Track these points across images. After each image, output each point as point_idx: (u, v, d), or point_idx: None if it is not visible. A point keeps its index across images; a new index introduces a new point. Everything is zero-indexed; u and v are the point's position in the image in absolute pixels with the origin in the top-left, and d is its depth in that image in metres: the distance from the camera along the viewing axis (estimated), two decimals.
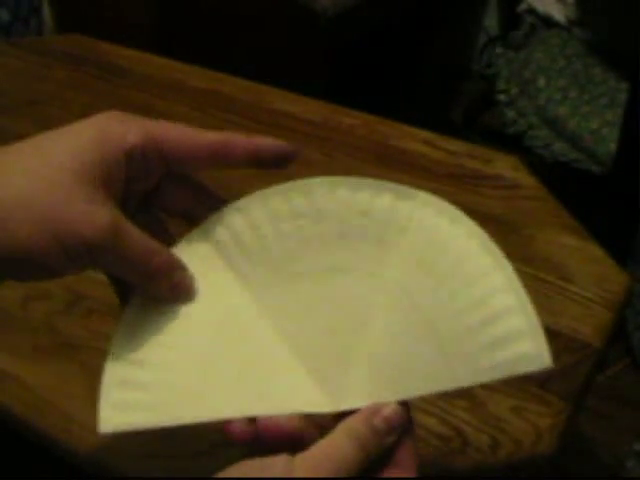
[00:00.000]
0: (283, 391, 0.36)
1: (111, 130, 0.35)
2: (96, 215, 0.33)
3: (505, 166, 0.78)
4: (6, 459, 0.64)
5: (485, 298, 0.37)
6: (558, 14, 1.85)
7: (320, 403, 0.35)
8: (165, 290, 0.36)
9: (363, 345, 0.36)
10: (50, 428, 0.52)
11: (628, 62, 1.40)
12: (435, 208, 0.38)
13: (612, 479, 1.24)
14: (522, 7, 1.92)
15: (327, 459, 0.32)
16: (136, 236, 0.35)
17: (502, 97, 1.79)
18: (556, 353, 0.58)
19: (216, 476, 0.32)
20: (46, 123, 0.79)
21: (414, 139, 0.82)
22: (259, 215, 0.38)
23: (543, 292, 0.63)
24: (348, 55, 1.41)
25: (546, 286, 0.64)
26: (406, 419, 0.35)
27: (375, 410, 0.34)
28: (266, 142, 0.38)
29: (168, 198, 0.39)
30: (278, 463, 0.32)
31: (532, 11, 1.90)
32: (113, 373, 0.36)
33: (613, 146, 1.45)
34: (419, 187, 0.77)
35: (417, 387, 0.36)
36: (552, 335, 0.60)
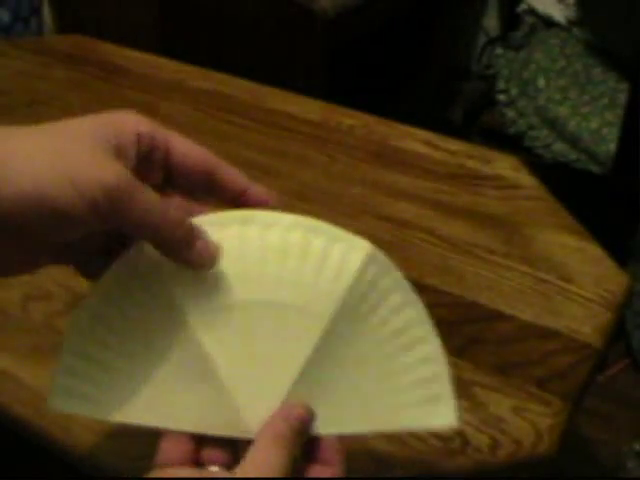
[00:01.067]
0: (219, 413, 0.37)
1: (125, 118, 0.37)
2: (113, 164, 0.34)
3: (505, 166, 0.78)
4: (6, 459, 0.64)
5: (409, 346, 0.40)
6: (558, 14, 1.85)
7: (249, 429, 0.37)
8: (188, 256, 0.36)
9: (285, 378, 0.37)
10: (49, 428, 0.52)
11: (628, 62, 1.40)
12: (391, 276, 0.40)
13: (612, 479, 1.24)
14: (522, 7, 1.92)
15: (258, 471, 0.33)
16: (152, 194, 0.35)
17: (502, 97, 1.79)
18: (556, 353, 0.58)
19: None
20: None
21: (414, 139, 0.82)
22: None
23: (543, 292, 0.63)
24: (348, 55, 1.41)
25: (546, 286, 0.64)
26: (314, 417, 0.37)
27: (289, 411, 0.36)
28: (256, 191, 0.40)
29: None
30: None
31: (532, 11, 1.90)
32: (67, 360, 0.39)
33: (613, 146, 1.45)
34: (419, 187, 0.77)
35: (331, 425, 0.38)
36: (552, 335, 0.60)
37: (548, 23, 1.87)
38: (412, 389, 0.39)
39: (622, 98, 1.49)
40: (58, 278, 0.62)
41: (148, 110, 0.88)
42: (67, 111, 0.85)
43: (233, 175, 0.39)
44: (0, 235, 0.33)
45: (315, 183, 0.76)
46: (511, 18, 1.95)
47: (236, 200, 0.40)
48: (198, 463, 0.36)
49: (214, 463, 0.36)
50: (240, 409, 0.37)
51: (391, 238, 0.69)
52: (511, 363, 0.57)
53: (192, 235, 0.36)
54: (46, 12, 1.65)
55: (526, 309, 0.61)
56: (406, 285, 0.40)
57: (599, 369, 0.61)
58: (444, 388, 0.39)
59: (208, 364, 0.37)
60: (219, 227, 0.38)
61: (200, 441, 0.37)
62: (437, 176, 0.76)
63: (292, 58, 1.39)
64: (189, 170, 0.39)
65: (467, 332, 0.59)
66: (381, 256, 0.40)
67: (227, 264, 0.38)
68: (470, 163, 0.78)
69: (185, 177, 0.39)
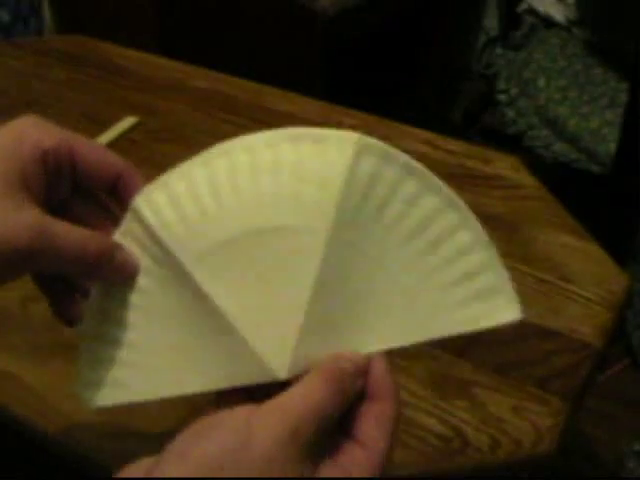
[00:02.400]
0: (242, 362, 0.35)
1: (27, 134, 0.36)
2: (19, 220, 0.33)
3: (505, 166, 0.78)
4: (6, 459, 0.64)
5: (455, 258, 0.35)
6: (558, 14, 1.85)
7: (277, 370, 0.34)
8: (111, 273, 0.37)
9: (298, 305, 0.34)
10: (49, 427, 0.52)
11: (628, 62, 1.40)
12: (397, 163, 0.36)
13: (612, 479, 1.24)
14: (522, 7, 1.92)
15: (302, 404, 0.30)
16: (65, 229, 0.35)
17: (502, 97, 1.79)
18: (556, 353, 0.58)
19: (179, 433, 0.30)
20: None
21: (414, 139, 0.82)
22: (199, 178, 0.37)
23: (543, 292, 0.63)
24: (348, 55, 1.41)
25: (546, 286, 0.64)
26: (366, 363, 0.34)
27: (339, 355, 0.33)
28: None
29: (76, 211, 0.39)
30: (239, 415, 0.30)
31: (532, 11, 1.90)
32: (88, 352, 0.38)
33: (613, 146, 1.45)
34: None
35: (381, 339, 0.35)
36: (552, 335, 0.60)
37: (548, 23, 1.87)
38: (461, 283, 0.35)
39: (622, 98, 1.50)
40: None
41: (147, 110, 0.88)
42: (67, 111, 0.85)
43: (136, 178, 0.38)
44: None
45: None
46: (511, 18, 1.95)
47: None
48: None
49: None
50: (263, 355, 0.34)
51: None
52: (511, 363, 0.57)
53: (112, 250, 0.37)
54: (46, 12, 1.65)
55: (526, 309, 0.61)
56: (421, 170, 0.35)
57: (599, 369, 0.60)
58: (498, 276, 0.35)
59: (221, 318, 0.35)
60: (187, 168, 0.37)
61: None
62: (437, 176, 0.76)
63: (292, 58, 1.39)
64: (94, 176, 0.38)
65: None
66: (378, 144, 0.35)
67: (210, 199, 0.36)
68: (470, 163, 0.78)
69: (90, 182, 0.39)
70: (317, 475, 0.30)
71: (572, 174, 1.58)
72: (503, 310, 0.35)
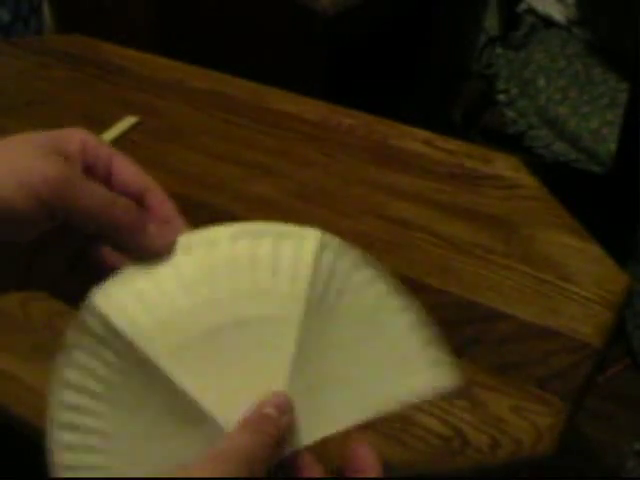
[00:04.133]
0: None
1: (73, 131, 0.38)
2: (56, 161, 0.35)
3: (505, 166, 0.78)
4: (6, 459, 0.64)
5: (387, 319, 0.39)
6: (558, 14, 1.85)
7: None
8: (139, 241, 0.36)
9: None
10: None
11: (628, 62, 1.40)
12: (349, 257, 0.39)
13: (612, 479, 1.24)
14: (522, 7, 1.92)
15: (226, 453, 0.32)
16: (94, 184, 0.36)
17: (502, 97, 1.79)
18: (556, 353, 0.58)
19: None
20: (46, 123, 0.80)
21: (414, 139, 0.82)
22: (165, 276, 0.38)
23: (543, 292, 0.63)
24: (348, 55, 1.41)
25: (546, 286, 0.64)
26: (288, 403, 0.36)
27: (262, 402, 0.35)
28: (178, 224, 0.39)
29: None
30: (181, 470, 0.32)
31: (532, 11, 1.90)
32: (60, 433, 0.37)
33: (613, 146, 1.45)
34: (419, 187, 0.77)
35: (335, 422, 0.37)
36: (552, 335, 0.60)
37: (548, 23, 1.87)
38: (405, 358, 0.38)
39: (622, 98, 1.50)
40: None
41: (148, 110, 0.88)
42: (67, 111, 0.85)
43: (162, 200, 0.39)
44: None
45: (315, 183, 0.76)
46: (511, 18, 1.95)
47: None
48: None
49: None
50: None
51: (391, 238, 0.69)
52: (511, 363, 0.57)
53: (143, 219, 0.37)
54: (46, 12, 1.65)
55: (526, 309, 0.61)
56: (366, 262, 0.39)
57: (599, 369, 0.61)
58: (439, 350, 0.38)
59: (198, 409, 0.36)
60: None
61: None
62: (437, 176, 0.76)
63: (292, 58, 1.39)
64: (125, 190, 0.39)
65: (467, 332, 0.59)
66: (334, 241, 0.38)
67: (180, 294, 0.37)
68: (470, 163, 0.78)
69: (121, 189, 0.39)
70: None
71: (572, 174, 1.58)
72: (444, 378, 0.38)
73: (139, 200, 0.39)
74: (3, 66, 0.96)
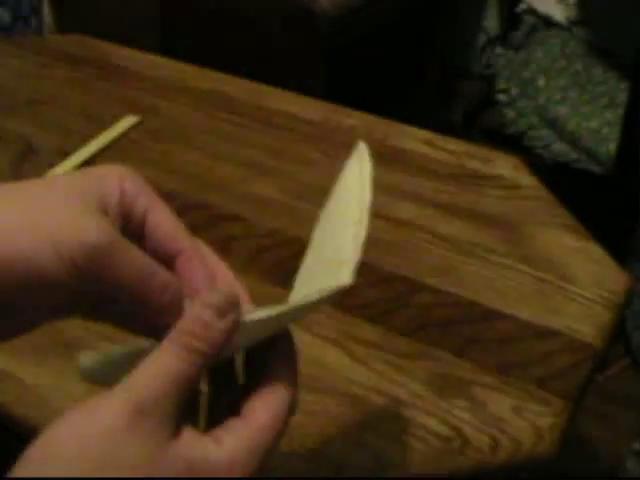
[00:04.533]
0: None
1: (111, 171, 0.35)
2: (95, 221, 0.31)
3: (505, 166, 0.78)
4: (6, 459, 0.64)
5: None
6: (558, 14, 1.85)
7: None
8: (173, 318, 0.32)
9: None
10: None
11: (628, 62, 1.40)
12: None
13: (612, 479, 1.24)
14: (522, 7, 1.92)
15: (145, 377, 0.29)
16: (137, 251, 0.32)
17: (502, 97, 1.79)
18: (556, 353, 0.58)
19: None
20: (46, 123, 0.80)
21: (414, 139, 0.82)
22: None
23: (543, 292, 0.63)
24: (348, 55, 1.41)
25: (546, 286, 0.64)
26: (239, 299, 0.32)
27: (200, 303, 0.31)
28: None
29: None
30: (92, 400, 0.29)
31: (532, 11, 1.90)
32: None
33: (613, 146, 1.45)
34: (419, 187, 0.77)
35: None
36: (552, 335, 0.60)
37: (548, 23, 1.87)
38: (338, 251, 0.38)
39: (622, 98, 1.50)
40: None
41: (148, 110, 0.88)
42: (67, 111, 0.85)
43: (195, 269, 0.35)
44: None
45: (315, 183, 0.76)
46: (511, 18, 1.95)
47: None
48: None
49: None
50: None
51: (391, 238, 0.68)
52: (511, 363, 0.57)
53: (179, 297, 0.33)
54: (46, 12, 1.65)
55: (526, 309, 0.61)
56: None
57: (599, 369, 0.61)
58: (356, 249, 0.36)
59: None
60: None
61: None
62: (437, 176, 0.76)
63: (293, 58, 1.39)
64: (156, 249, 0.35)
65: (467, 332, 0.59)
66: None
67: None
68: (470, 163, 0.78)
69: (151, 244, 0.35)
70: (178, 440, 0.29)
71: (572, 174, 1.58)
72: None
73: (169, 263, 0.35)
74: (3, 66, 0.96)
